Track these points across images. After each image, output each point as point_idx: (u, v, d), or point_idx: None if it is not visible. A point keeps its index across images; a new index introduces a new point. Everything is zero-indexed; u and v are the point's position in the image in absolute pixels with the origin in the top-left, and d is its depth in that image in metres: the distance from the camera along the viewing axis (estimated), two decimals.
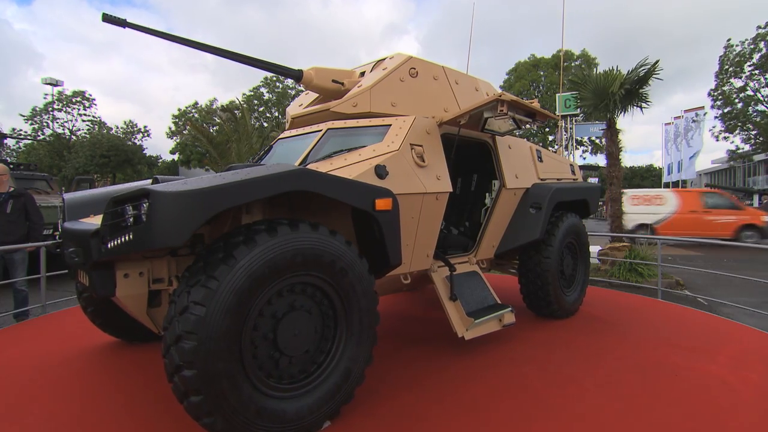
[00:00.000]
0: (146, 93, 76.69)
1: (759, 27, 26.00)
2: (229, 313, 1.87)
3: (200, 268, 1.93)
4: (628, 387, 2.80)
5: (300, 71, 3.32)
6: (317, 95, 3.72)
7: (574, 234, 4.40)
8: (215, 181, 1.91)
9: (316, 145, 3.14)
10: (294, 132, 3.66)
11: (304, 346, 2.23)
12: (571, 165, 5.05)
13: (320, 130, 3.28)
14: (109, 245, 1.94)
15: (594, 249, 9.78)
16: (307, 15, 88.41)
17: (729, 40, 27.61)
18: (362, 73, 3.55)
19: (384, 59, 3.53)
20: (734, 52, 27.43)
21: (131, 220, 1.88)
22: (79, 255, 2.16)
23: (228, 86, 69.55)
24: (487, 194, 4.38)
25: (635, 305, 4.97)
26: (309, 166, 2.57)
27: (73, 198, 3.00)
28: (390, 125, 3.09)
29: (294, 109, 3.85)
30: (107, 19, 2.79)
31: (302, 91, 4.05)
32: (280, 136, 3.82)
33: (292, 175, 2.10)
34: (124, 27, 2.86)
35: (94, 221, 2.54)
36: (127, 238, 1.84)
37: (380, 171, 2.68)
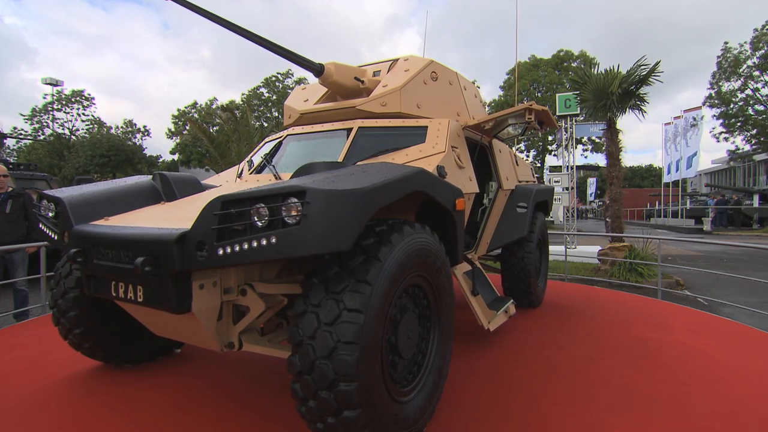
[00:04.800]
0: (141, 90, 76.18)
1: (755, 30, 26.11)
2: (378, 318, 1.76)
3: (339, 273, 1.78)
4: (635, 360, 3.19)
5: (321, 65, 3.21)
6: (324, 92, 3.63)
7: (543, 230, 4.86)
8: (369, 180, 1.79)
9: (351, 143, 3.03)
10: (307, 129, 3.47)
11: (413, 347, 2.17)
12: (531, 168, 5.45)
13: (348, 129, 3.17)
14: (219, 252, 1.70)
15: (594, 249, 9.77)
16: (306, 5, 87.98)
17: (726, 43, 27.72)
18: (375, 73, 3.53)
19: (397, 60, 3.53)
20: (732, 54, 27.40)
21: (262, 222, 1.66)
22: (151, 265, 1.84)
23: (226, 83, 69.24)
24: (484, 195, 4.41)
25: (587, 295, 5.46)
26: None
27: (72, 197, 2.42)
28: (426, 127, 3.08)
29: (300, 104, 3.67)
30: None
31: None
32: (287, 133, 3.57)
33: (419, 175, 2.05)
34: None
35: (118, 223, 2.25)
36: (264, 243, 1.62)
37: (441, 171, 2.65)
